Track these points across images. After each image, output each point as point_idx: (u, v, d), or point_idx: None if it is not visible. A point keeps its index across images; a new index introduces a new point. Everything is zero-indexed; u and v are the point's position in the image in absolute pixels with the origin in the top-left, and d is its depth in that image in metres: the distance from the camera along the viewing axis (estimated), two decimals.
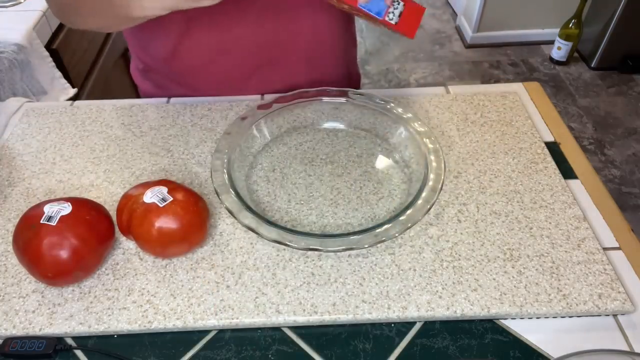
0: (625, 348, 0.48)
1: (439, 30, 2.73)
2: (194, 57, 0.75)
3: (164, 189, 0.53)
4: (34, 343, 0.48)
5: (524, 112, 0.73)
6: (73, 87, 1.07)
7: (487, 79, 2.37)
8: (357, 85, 0.92)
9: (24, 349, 0.47)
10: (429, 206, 0.54)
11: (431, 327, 0.50)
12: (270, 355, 0.48)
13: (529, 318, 0.50)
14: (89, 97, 1.15)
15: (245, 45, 0.73)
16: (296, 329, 0.50)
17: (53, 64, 1.03)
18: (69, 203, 0.51)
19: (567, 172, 0.65)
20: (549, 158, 0.66)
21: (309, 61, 0.78)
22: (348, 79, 0.87)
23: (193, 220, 0.53)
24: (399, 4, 0.55)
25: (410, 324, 0.50)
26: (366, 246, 0.51)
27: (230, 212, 0.54)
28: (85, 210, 0.52)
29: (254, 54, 0.75)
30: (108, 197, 0.62)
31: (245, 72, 0.77)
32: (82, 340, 0.49)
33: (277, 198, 0.61)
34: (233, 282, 0.52)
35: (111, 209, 0.57)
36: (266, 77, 0.78)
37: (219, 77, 0.78)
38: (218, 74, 0.77)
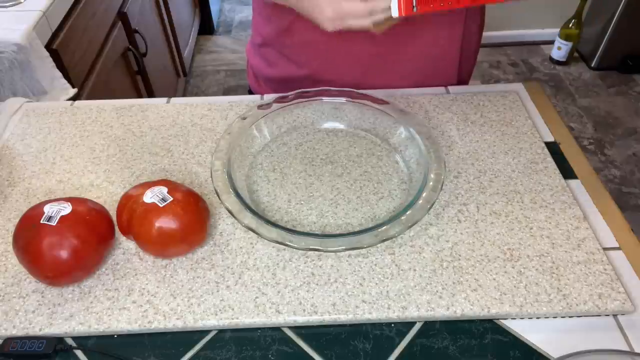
0: (625, 348, 0.48)
1: None
2: (307, 33, 0.75)
3: (164, 189, 0.53)
4: (34, 343, 0.48)
5: (524, 112, 0.73)
6: (73, 87, 1.07)
7: (487, 79, 2.37)
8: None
9: (24, 349, 0.47)
10: (429, 206, 0.54)
11: (431, 327, 0.50)
12: (270, 355, 0.48)
13: (529, 318, 0.50)
14: (89, 97, 1.14)
15: (357, 34, 0.73)
16: (296, 329, 0.50)
17: (53, 64, 1.02)
18: (69, 203, 0.51)
19: (567, 172, 0.65)
20: (549, 158, 0.66)
21: (420, 66, 0.78)
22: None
23: (193, 220, 0.53)
24: None
25: (410, 324, 0.50)
26: (366, 246, 0.51)
27: (230, 212, 0.54)
28: (85, 210, 0.52)
29: (363, 45, 0.75)
30: (108, 197, 0.62)
31: (352, 59, 0.77)
32: (82, 340, 0.49)
33: (277, 198, 0.61)
34: (233, 282, 0.52)
35: (111, 209, 0.57)
36: (370, 69, 0.78)
37: (326, 57, 0.78)
38: (325, 53, 0.77)
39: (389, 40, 0.74)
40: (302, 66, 0.80)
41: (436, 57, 0.79)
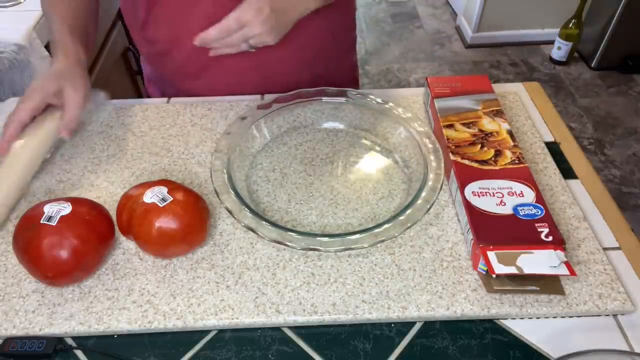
0: (625, 348, 0.48)
1: (439, 30, 2.73)
2: (158, 37, 0.74)
3: (164, 189, 0.53)
4: (34, 343, 0.48)
5: (524, 112, 0.73)
6: None
7: None
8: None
9: (24, 349, 0.47)
10: (428, 206, 0.54)
11: (431, 327, 0.50)
12: (270, 355, 0.48)
13: (529, 318, 0.50)
14: None
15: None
16: (296, 329, 0.50)
17: None
18: (69, 203, 0.51)
19: (567, 172, 0.64)
20: (549, 158, 0.66)
21: (258, 63, 0.75)
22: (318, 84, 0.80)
23: (193, 220, 0.53)
24: None
25: (410, 324, 0.50)
26: (366, 246, 0.51)
27: (230, 212, 0.54)
28: (85, 210, 0.52)
29: (203, 49, 0.73)
30: (108, 197, 0.62)
31: (197, 68, 0.76)
32: (82, 340, 0.49)
33: (277, 198, 0.61)
34: (233, 282, 0.52)
35: (111, 209, 0.57)
36: (218, 77, 0.76)
37: (176, 67, 0.77)
38: (175, 62, 0.76)
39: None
40: (161, 73, 0.80)
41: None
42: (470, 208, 0.54)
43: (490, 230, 0.52)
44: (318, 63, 0.81)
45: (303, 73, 0.80)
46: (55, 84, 0.62)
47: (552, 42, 2.44)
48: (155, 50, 0.77)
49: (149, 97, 0.89)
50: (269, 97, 0.72)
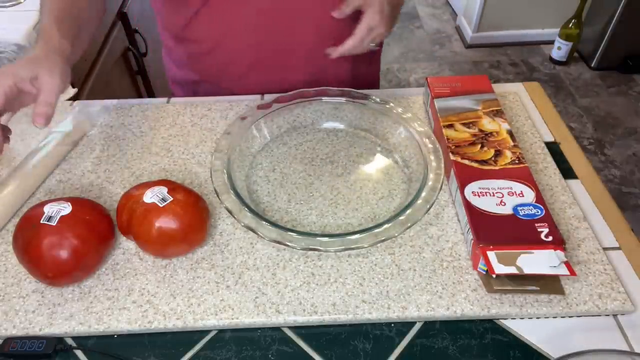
0: (625, 348, 0.48)
1: (439, 30, 2.73)
2: (204, 36, 0.75)
3: (164, 189, 0.53)
4: (34, 343, 0.48)
5: (524, 112, 0.73)
6: (73, 87, 1.07)
7: None
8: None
9: (24, 349, 0.47)
10: (428, 206, 0.54)
11: (431, 327, 0.50)
12: (270, 355, 0.48)
13: (529, 318, 0.50)
14: (89, 97, 1.14)
15: (245, 37, 0.73)
16: (296, 329, 0.50)
17: None
18: (69, 203, 0.52)
19: (567, 172, 0.64)
20: (549, 158, 0.66)
21: (309, 60, 0.77)
22: (356, 80, 0.83)
23: (193, 220, 0.53)
24: None
25: (410, 324, 0.50)
26: (366, 246, 0.51)
27: (230, 212, 0.54)
28: (85, 210, 0.52)
29: (252, 47, 0.75)
30: (108, 197, 0.62)
31: (244, 66, 0.77)
32: (82, 340, 0.49)
33: (277, 198, 0.61)
34: (233, 282, 0.52)
35: (111, 209, 0.57)
36: (263, 75, 0.78)
37: (221, 65, 0.78)
38: (220, 61, 0.77)
39: (270, 45, 0.75)
40: (199, 73, 0.81)
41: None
42: (470, 208, 0.54)
43: (490, 230, 0.52)
44: (356, 61, 0.82)
45: (343, 69, 0.81)
46: (30, 69, 0.57)
47: (552, 42, 2.44)
48: (197, 51, 0.78)
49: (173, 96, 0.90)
50: (269, 97, 0.72)
